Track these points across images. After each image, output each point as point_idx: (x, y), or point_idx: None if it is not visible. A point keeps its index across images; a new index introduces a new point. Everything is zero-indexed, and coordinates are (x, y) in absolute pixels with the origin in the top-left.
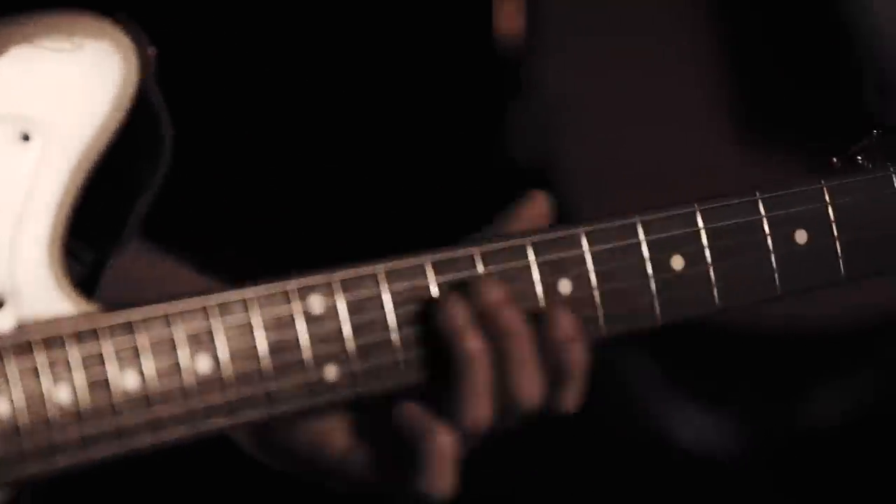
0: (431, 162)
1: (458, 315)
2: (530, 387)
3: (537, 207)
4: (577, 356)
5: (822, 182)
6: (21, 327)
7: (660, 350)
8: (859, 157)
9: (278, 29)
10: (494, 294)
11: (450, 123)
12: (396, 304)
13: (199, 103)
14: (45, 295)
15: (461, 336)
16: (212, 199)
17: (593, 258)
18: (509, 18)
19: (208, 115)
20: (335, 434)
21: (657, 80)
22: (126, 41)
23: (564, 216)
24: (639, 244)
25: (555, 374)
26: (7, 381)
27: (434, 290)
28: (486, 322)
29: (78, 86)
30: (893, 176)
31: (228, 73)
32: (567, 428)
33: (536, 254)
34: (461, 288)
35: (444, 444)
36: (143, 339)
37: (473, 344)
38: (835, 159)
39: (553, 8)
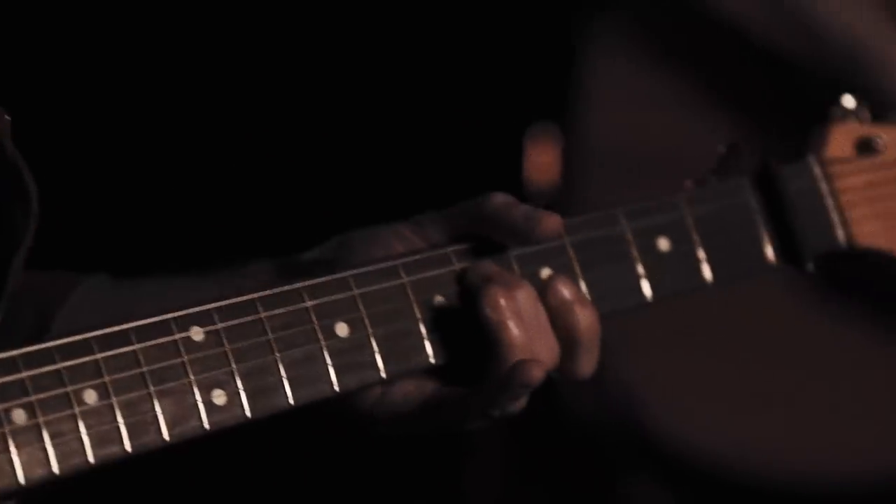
0: None
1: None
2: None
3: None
4: (582, 321)
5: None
6: None
7: None
8: (713, 178)
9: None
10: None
11: None
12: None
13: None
14: None
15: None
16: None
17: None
18: (542, 169)
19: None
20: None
21: None
22: None
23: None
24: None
25: (564, 340)
26: None
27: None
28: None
29: None
30: (744, 183)
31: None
32: None
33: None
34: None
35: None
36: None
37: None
38: (687, 182)
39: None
